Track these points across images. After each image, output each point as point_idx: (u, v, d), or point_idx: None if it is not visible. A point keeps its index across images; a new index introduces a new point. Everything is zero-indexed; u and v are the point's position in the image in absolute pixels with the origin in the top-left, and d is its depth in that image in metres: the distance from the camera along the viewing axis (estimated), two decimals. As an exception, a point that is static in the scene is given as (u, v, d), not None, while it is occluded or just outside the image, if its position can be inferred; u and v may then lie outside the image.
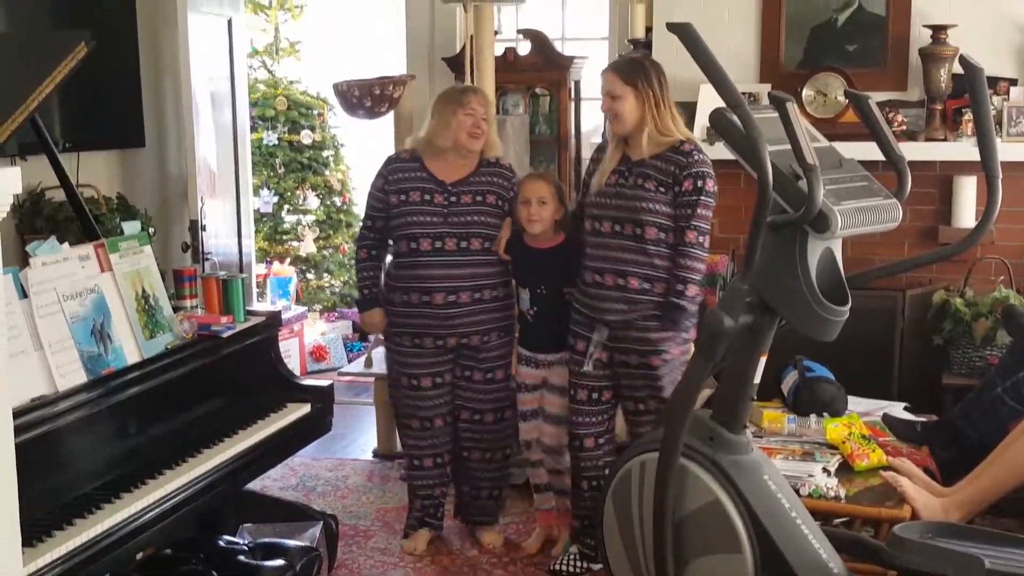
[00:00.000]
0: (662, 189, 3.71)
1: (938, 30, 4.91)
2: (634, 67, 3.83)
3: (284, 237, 7.68)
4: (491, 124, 4.12)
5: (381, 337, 4.36)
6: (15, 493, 2.21)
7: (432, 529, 4.36)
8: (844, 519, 3.53)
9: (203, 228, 6.01)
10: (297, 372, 6.61)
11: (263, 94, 7.58)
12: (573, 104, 5.90)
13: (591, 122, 6.09)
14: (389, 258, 4.21)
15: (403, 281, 4.07)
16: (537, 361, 4.11)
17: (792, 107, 2.57)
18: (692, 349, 3.75)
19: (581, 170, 5.84)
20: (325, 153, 7.77)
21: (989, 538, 2.97)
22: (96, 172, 5.66)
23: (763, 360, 2.87)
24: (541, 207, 3.95)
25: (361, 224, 4.30)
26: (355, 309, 7.47)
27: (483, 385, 4.17)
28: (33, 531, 2.69)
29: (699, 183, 3.69)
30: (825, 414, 4.07)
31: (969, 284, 4.94)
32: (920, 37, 5.04)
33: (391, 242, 4.14)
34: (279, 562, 3.51)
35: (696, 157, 3.72)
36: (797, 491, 3.29)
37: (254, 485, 4.05)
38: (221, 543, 3.61)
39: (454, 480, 4.37)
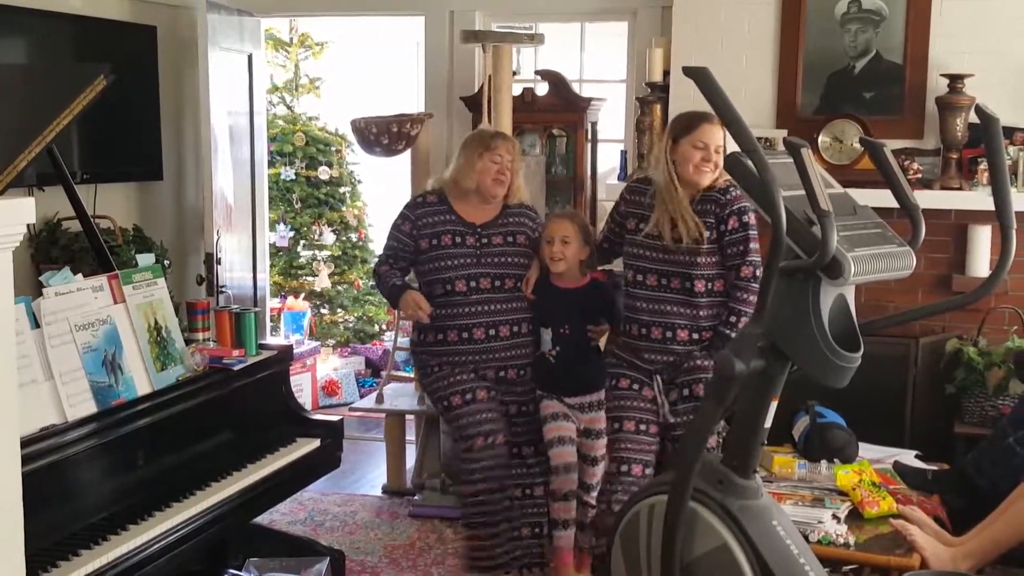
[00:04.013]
0: (706, 232, 3.79)
1: (955, 79, 4.92)
2: None
3: (299, 272, 7.71)
4: (517, 172, 4.13)
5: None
6: (20, 522, 2.21)
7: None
8: (853, 567, 3.50)
9: (218, 261, 6.03)
10: (309, 407, 6.60)
11: (282, 129, 7.64)
12: (590, 145, 5.91)
13: (607, 163, 6.10)
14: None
15: (438, 320, 4.03)
16: (559, 398, 4.06)
17: (807, 153, 2.57)
18: None
19: (596, 210, 5.85)
20: (342, 189, 7.82)
21: (999, 590, 2.95)
22: (113, 204, 5.71)
23: (774, 405, 2.85)
24: (564, 246, 3.98)
25: (379, 258, 4.24)
26: (367, 344, 7.54)
27: (520, 419, 4.12)
28: (39, 561, 2.69)
29: (744, 218, 3.81)
30: (836, 460, 4.05)
31: (982, 333, 4.91)
32: (937, 86, 5.05)
33: (423, 285, 4.11)
34: (285, 597, 3.51)
35: (733, 193, 3.81)
36: (806, 537, 3.27)
37: (262, 519, 4.05)
38: (227, 577, 3.61)
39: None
